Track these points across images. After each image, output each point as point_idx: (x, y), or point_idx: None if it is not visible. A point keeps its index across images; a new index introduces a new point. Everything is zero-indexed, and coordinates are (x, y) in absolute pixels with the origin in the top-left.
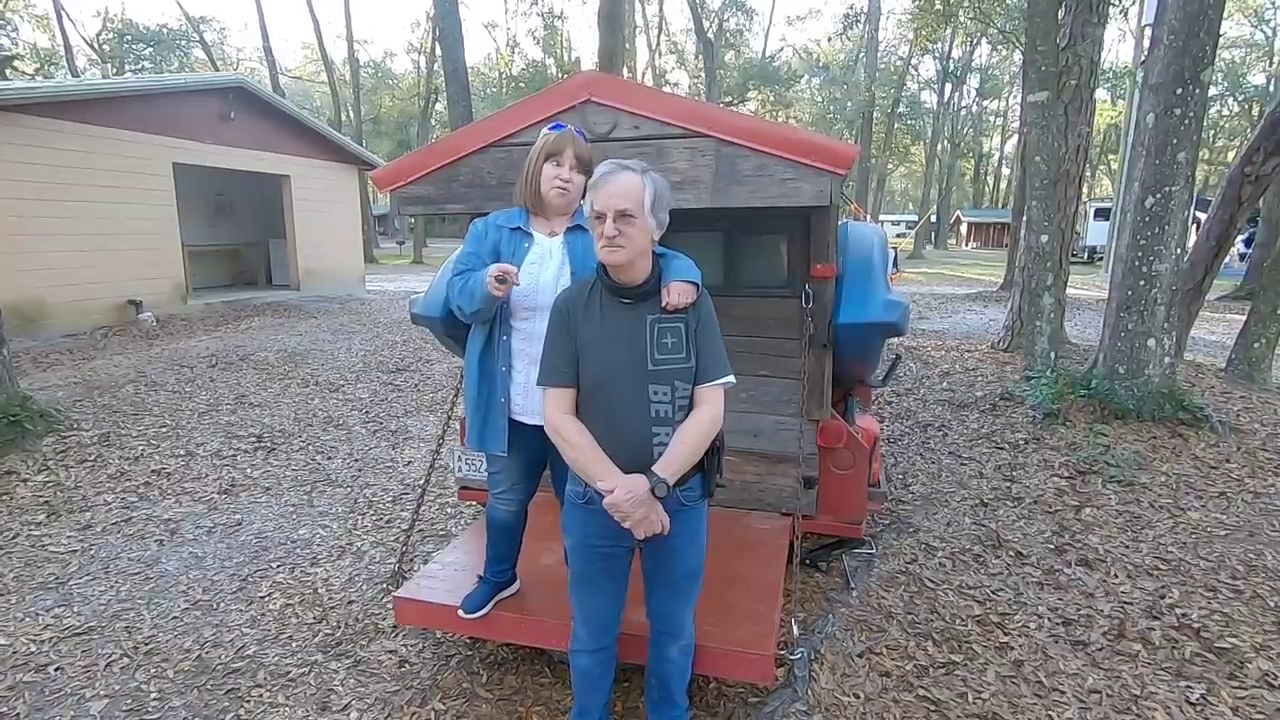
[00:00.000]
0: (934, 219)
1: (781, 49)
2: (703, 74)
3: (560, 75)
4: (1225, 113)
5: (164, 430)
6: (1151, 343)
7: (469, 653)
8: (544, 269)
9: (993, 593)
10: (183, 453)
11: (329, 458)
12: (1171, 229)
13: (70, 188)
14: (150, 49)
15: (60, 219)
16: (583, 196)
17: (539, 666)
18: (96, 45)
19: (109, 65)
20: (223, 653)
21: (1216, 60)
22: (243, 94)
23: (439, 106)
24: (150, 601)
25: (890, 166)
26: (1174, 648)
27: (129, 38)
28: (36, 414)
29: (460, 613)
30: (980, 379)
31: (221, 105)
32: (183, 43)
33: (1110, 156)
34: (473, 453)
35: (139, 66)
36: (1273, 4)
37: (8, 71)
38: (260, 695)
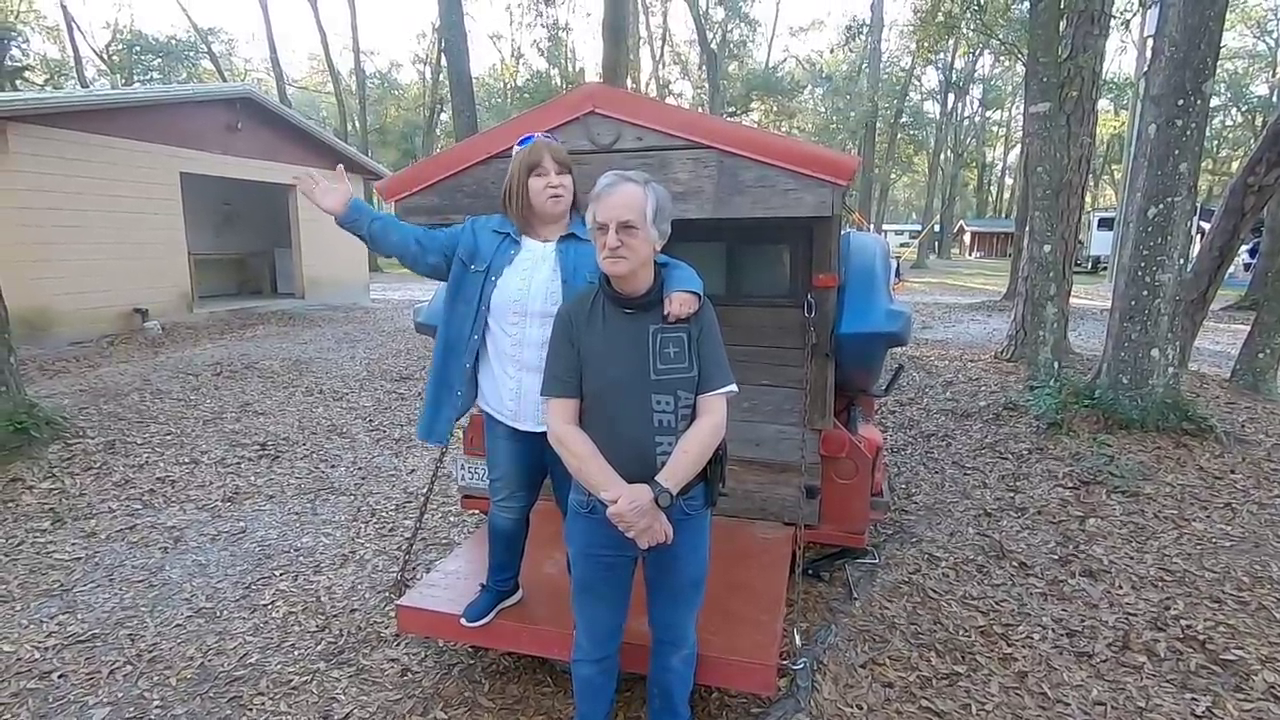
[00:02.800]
0: (937, 228)
1: (785, 59)
2: (706, 85)
3: (565, 86)
4: (1228, 123)
5: (169, 438)
6: (1155, 353)
7: (471, 661)
8: (535, 275)
9: (996, 603)
10: (187, 460)
11: (332, 466)
12: (1174, 239)
13: (78, 197)
14: (159, 60)
15: (68, 228)
16: (574, 203)
17: (541, 676)
18: (106, 56)
19: (118, 76)
20: (225, 660)
21: (1219, 71)
22: (250, 104)
23: (444, 117)
24: (154, 609)
25: (893, 176)
26: (1179, 660)
27: (138, 49)
28: (43, 421)
29: (462, 621)
30: (984, 389)
31: (229, 115)
32: (191, 54)
33: (1114, 166)
34: (475, 461)
35: (148, 77)
36: (1275, 15)
37: (18, 82)
38: (262, 704)
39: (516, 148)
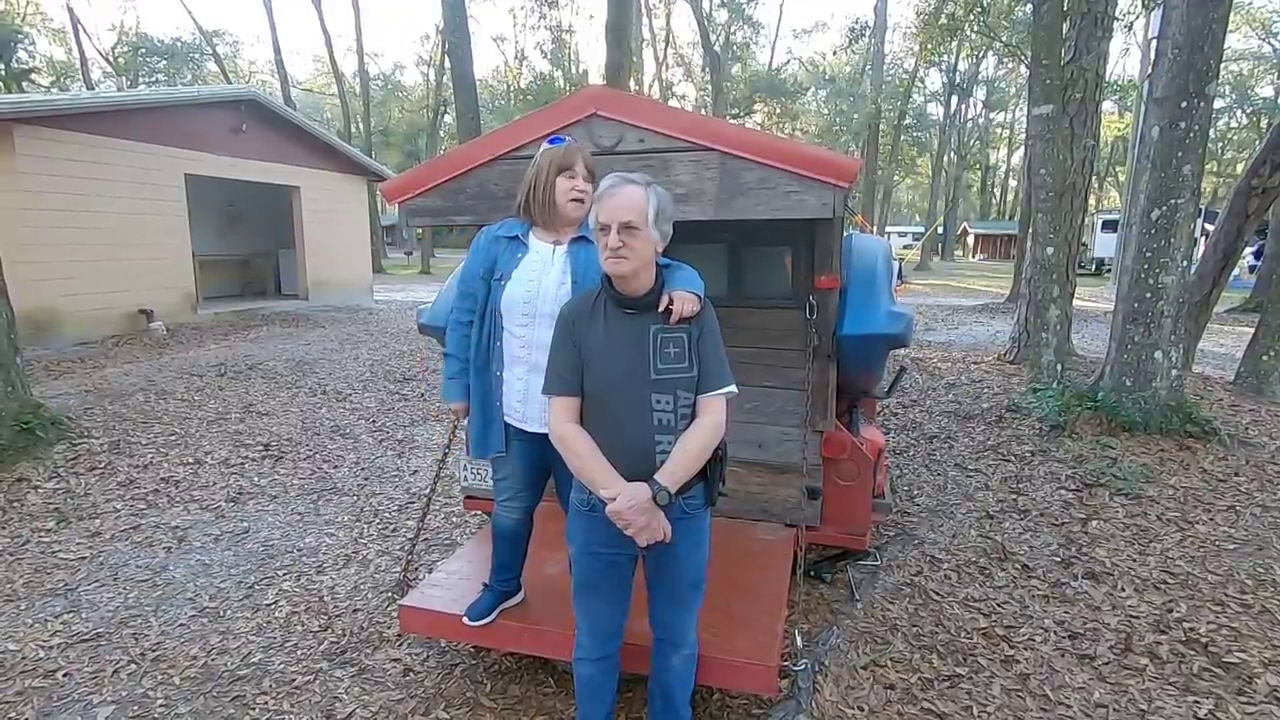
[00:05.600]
0: (940, 231)
1: (788, 62)
2: (709, 86)
3: (568, 88)
4: (1233, 125)
5: (173, 438)
6: (1159, 355)
7: (473, 661)
8: (544, 277)
9: (998, 606)
10: (191, 461)
11: (336, 466)
12: (1177, 241)
13: (84, 198)
14: (164, 62)
15: (73, 229)
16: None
17: (542, 676)
18: (111, 58)
19: (123, 78)
20: (229, 660)
21: (1224, 72)
22: (254, 106)
23: (448, 118)
24: (158, 608)
25: (896, 178)
26: (1181, 662)
27: (143, 51)
28: (48, 421)
29: (465, 621)
30: (986, 391)
31: (233, 117)
32: (196, 56)
33: (1118, 168)
34: (478, 462)
35: (153, 79)
36: None
37: (24, 84)
38: (266, 703)
39: (546, 145)
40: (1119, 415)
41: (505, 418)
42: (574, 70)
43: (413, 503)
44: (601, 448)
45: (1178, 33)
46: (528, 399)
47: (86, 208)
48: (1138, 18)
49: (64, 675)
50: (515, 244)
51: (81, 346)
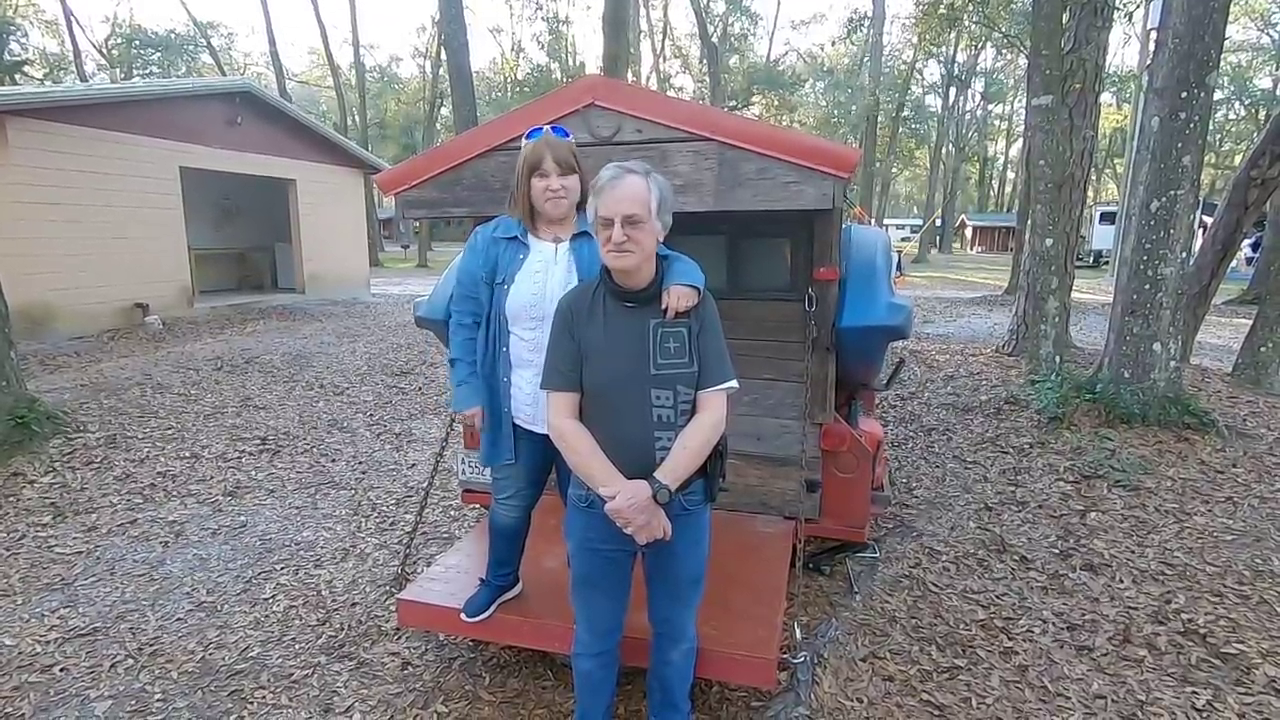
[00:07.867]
0: (939, 223)
1: (786, 53)
2: (707, 78)
3: (565, 79)
4: (1231, 116)
5: (169, 433)
6: (1157, 347)
7: (471, 655)
8: (549, 277)
9: (997, 597)
10: (188, 455)
11: (333, 460)
12: (1177, 233)
13: (78, 191)
14: (158, 54)
15: (68, 223)
16: (580, 200)
17: (541, 669)
18: (105, 50)
19: (117, 70)
20: (226, 654)
21: (1222, 64)
22: (249, 99)
23: (444, 111)
24: (155, 603)
25: (895, 170)
26: (1180, 653)
27: (137, 43)
28: (44, 416)
29: (463, 615)
30: (985, 383)
31: (228, 110)
32: (190, 48)
33: (1116, 160)
34: (476, 455)
35: (147, 71)
36: (1279, 8)
37: (17, 76)
38: (263, 697)
39: (524, 140)
40: (1117, 407)
41: (514, 420)
42: (571, 62)
43: (410, 496)
44: (601, 444)
45: (1179, 22)
46: (538, 401)
47: (80, 201)
48: (1137, 7)
49: (61, 670)
50: (515, 245)
51: (77, 341)
